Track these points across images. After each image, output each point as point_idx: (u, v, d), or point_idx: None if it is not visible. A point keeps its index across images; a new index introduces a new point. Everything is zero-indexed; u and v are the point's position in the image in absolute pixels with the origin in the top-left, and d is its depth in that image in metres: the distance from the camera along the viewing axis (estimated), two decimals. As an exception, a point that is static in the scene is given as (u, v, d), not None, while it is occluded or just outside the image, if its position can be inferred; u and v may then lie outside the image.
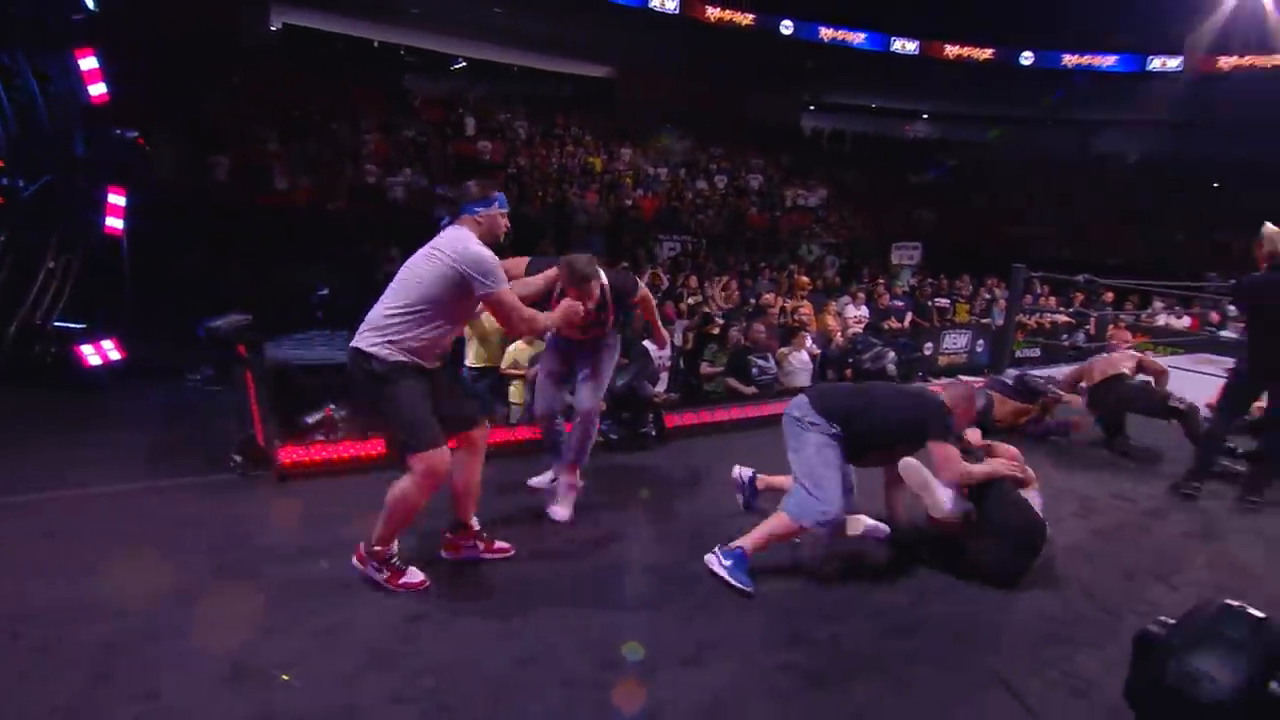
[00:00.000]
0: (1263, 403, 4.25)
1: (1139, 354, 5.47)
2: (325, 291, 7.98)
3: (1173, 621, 1.97)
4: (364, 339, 2.62)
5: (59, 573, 2.74)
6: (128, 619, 2.45)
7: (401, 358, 2.61)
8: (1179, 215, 18.84)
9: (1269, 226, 3.99)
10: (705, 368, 6.33)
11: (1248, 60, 18.37)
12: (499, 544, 3.04)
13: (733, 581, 2.83)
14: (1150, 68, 19.54)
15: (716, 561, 2.92)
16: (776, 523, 2.94)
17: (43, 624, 2.40)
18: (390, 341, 2.60)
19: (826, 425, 2.97)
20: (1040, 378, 5.29)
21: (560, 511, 3.42)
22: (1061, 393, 5.15)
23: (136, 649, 2.31)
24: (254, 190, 10.48)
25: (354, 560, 2.76)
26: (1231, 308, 9.30)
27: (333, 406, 4.07)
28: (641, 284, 3.63)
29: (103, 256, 5.65)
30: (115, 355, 5.68)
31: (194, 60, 12.17)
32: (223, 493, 3.57)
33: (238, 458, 3.73)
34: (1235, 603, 1.95)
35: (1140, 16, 17.94)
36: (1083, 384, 5.29)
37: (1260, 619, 1.89)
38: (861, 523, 3.16)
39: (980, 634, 2.68)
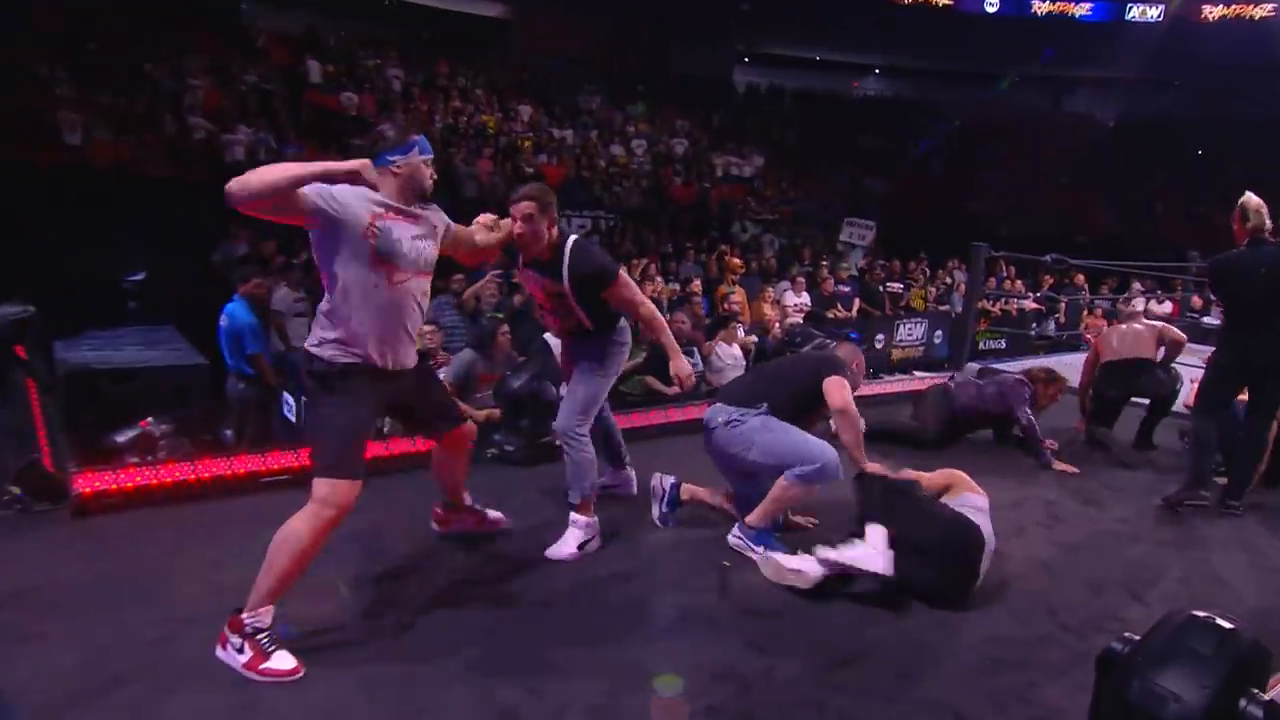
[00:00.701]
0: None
1: (1159, 323, 5.74)
2: (140, 276, 7.62)
3: (1137, 638, 2.12)
4: (309, 338, 2.66)
5: None
6: None
7: (344, 358, 2.58)
8: (1159, 184, 20.12)
9: (1250, 197, 4.17)
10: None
11: (1234, 9, 19.79)
12: (492, 515, 3.47)
13: (758, 553, 3.35)
14: (1129, 16, 20.71)
15: (743, 541, 3.46)
16: (791, 492, 3.38)
17: None
18: (326, 339, 2.59)
19: (754, 411, 3.46)
20: (1010, 374, 5.55)
21: (558, 549, 3.37)
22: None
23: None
24: (33, 146, 9.85)
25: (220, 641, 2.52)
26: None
27: (150, 420, 3.88)
28: (622, 272, 3.40)
29: None
30: None
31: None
32: (-1, 535, 3.35)
33: (15, 490, 3.50)
34: (1202, 613, 2.12)
35: None
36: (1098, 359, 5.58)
37: (1228, 629, 2.06)
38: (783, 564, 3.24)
39: (930, 662, 2.80)
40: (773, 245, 14.52)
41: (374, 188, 2.61)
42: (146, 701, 2.33)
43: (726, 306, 8.15)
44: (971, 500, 3.33)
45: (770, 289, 9.66)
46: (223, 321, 5.95)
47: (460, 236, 3.04)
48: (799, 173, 20.19)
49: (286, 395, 6.48)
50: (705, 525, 3.76)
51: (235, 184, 2.34)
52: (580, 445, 3.38)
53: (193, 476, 3.73)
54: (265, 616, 2.51)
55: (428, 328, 5.77)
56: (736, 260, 10.56)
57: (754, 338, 7.44)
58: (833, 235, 14.29)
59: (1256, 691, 1.95)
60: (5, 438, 3.71)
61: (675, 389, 5.52)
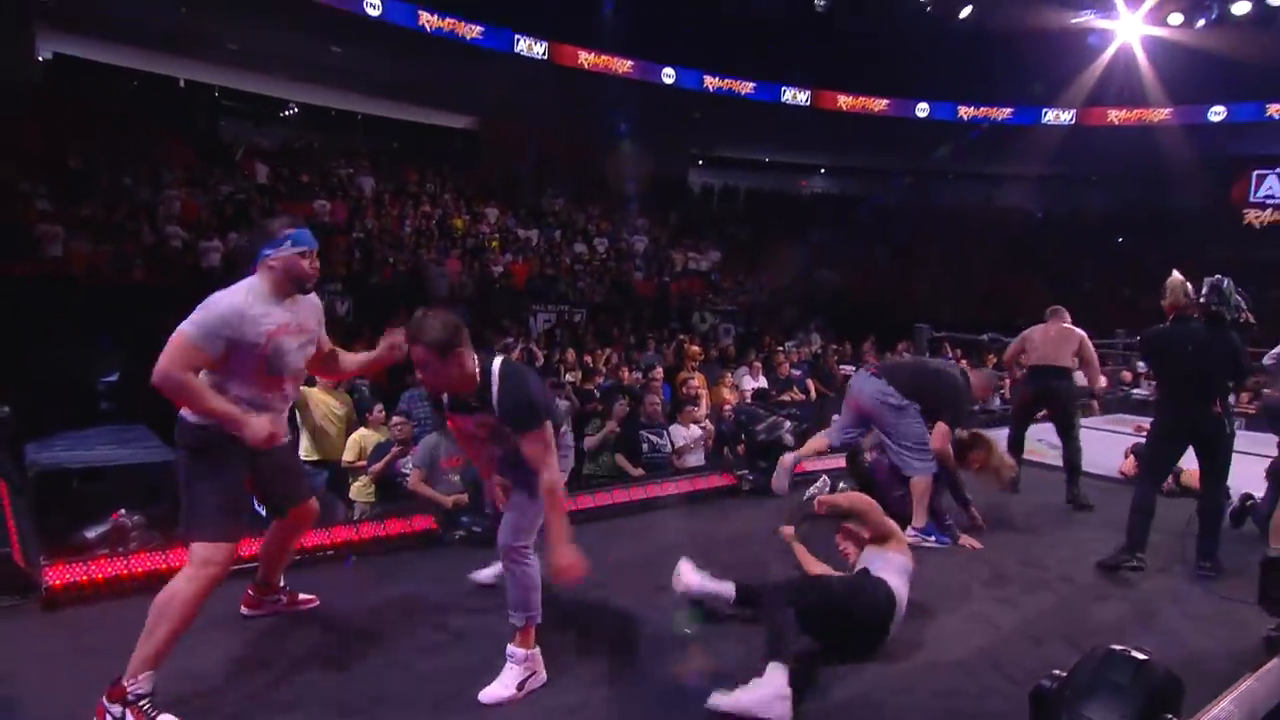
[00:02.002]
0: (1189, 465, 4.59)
1: (1080, 331, 5.94)
2: (114, 378, 7.61)
3: (1064, 673, 2.23)
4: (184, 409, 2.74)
5: None
6: None
7: (209, 422, 2.66)
8: (1087, 270, 21.26)
9: (1174, 276, 4.45)
10: (589, 440, 6.48)
11: (1135, 113, 21.41)
12: (303, 596, 3.45)
13: (942, 544, 4.59)
14: (1044, 120, 22.35)
15: (920, 538, 4.49)
16: (921, 489, 4.63)
17: None
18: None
19: (911, 404, 4.72)
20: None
21: (494, 691, 2.85)
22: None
23: None
24: (13, 259, 9.90)
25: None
26: (1141, 364, 10.53)
27: (123, 512, 3.87)
28: (545, 428, 2.87)
29: None
30: None
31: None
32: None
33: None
34: (1119, 646, 2.24)
35: (1030, 71, 20.63)
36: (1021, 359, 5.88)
37: (1141, 660, 2.18)
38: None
39: (889, 718, 2.86)
40: (729, 334, 14.84)
41: (262, 446, 2.72)
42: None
43: (685, 391, 8.32)
44: (895, 562, 3.42)
45: (729, 374, 9.86)
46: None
47: (323, 351, 3.15)
48: (754, 265, 20.79)
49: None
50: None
51: (166, 383, 2.54)
52: (526, 561, 2.93)
53: (164, 565, 3.69)
54: (146, 683, 2.50)
55: (398, 419, 5.82)
56: (695, 348, 10.78)
57: (710, 424, 7.50)
58: (785, 322, 14.69)
59: (1170, 717, 2.07)
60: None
61: (640, 471, 5.65)
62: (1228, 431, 4.31)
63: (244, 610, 3.37)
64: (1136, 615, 3.84)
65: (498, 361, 2.89)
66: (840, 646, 3.19)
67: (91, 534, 3.97)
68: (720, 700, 2.73)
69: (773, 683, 2.74)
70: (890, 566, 3.39)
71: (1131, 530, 4.44)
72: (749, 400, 8.99)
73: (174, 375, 2.53)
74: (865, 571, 3.39)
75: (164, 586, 2.61)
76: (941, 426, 4.75)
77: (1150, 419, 4.92)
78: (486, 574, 3.80)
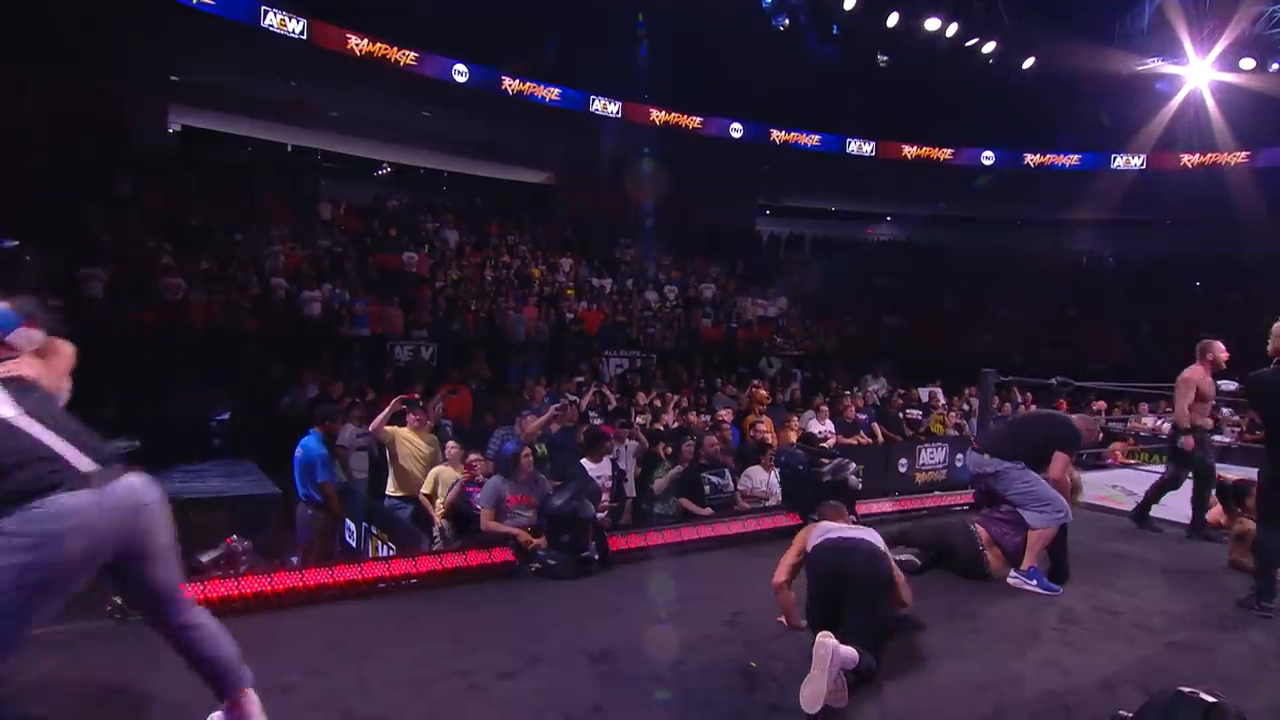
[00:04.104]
0: None
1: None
2: (225, 416, 8.04)
3: (1130, 716, 2.19)
4: None
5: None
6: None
7: None
8: (1163, 315, 20.39)
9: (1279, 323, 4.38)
10: (657, 482, 6.55)
11: (1210, 157, 20.72)
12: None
13: (1045, 590, 4.48)
14: (1114, 165, 21.75)
15: (1021, 581, 4.52)
16: (1040, 537, 4.53)
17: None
18: None
19: (1014, 465, 4.63)
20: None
21: None
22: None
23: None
24: (139, 307, 10.62)
25: None
26: (1226, 410, 10.03)
27: (235, 538, 4.12)
28: None
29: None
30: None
31: (77, 164, 12.60)
32: (100, 641, 3.54)
33: (118, 599, 3.72)
34: (1188, 689, 2.20)
35: (1097, 117, 20.30)
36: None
37: (1211, 702, 2.13)
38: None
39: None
40: (797, 379, 14.75)
41: None
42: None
43: (754, 434, 8.32)
44: None
45: (796, 418, 9.81)
46: (298, 453, 5.96)
47: None
48: (821, 312, 20.67)
49: (348, 521, 6.71)
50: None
51: None
52: None
53: (269, 588, 3.92)
54: None
55: (475, 456, 6.04)
56: (763, 392, 10.77)
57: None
58: (853, 368, 14.53)
59: (1238, 757, 2.01)
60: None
61: (708, 510, 5.69)
62: None
63: None
64: (1209, 666, 3.67)
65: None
66: None
67: (205, 558, 4.22)
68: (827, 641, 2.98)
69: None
70: None
71: (1259, 577, 4.31)
72: (795, 446, 8.90)
73: None
74: None
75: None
76: (1060, 456, 4.71)
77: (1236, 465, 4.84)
78: None
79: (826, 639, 3.00)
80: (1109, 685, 3.37)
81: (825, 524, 3.86)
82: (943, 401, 12.50)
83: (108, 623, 3.72)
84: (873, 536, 3.74)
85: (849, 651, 3.02)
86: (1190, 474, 5.98)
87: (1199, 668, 3.62)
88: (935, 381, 13.17)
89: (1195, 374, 5.80)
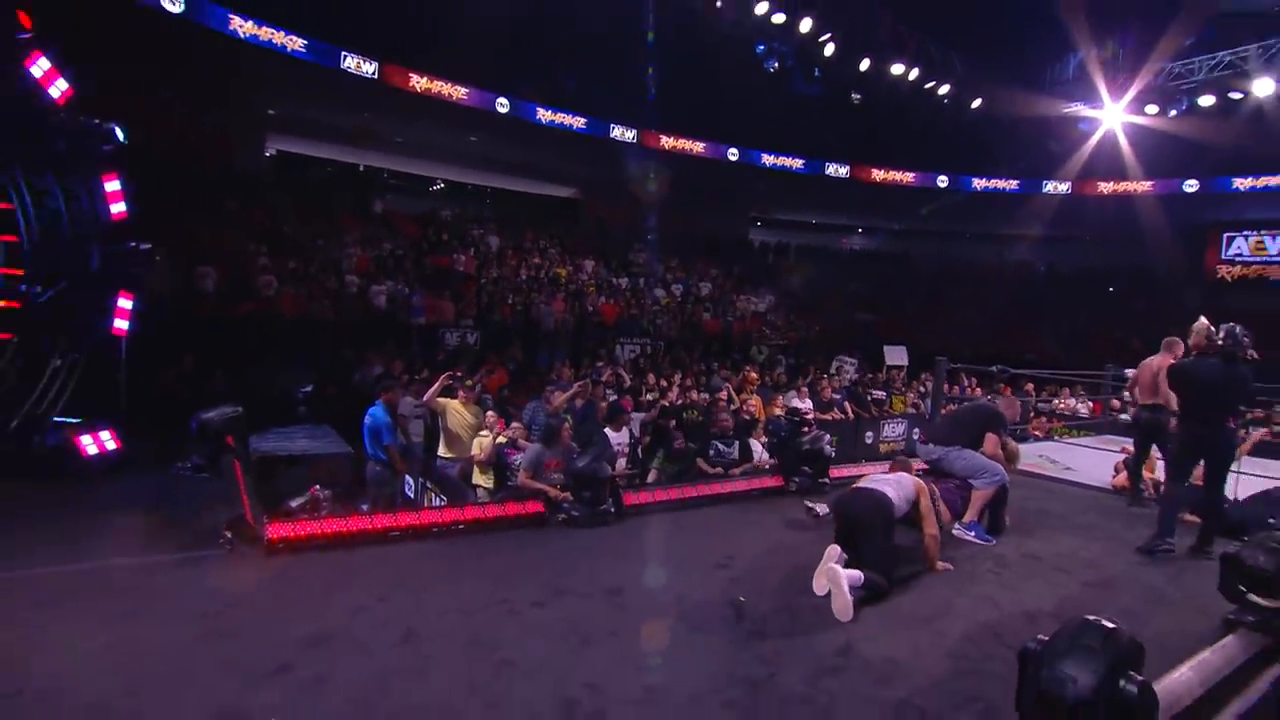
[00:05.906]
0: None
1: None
2: (308, 389, 8.14)
3: (1046, 638, 2.24)
4: None
5: (55, 642, 2.80)
6: (120, 678, 2.53)
7: None
8: (1085, 316, 20.49)
9: (1201, 321, 4.68)
10: (653, 474, 6.63)
11: (1121, 186, 21.17)
12: None
13: (981, 540, 4.50)
14: (1045, 190, 21.95)
15: (963, 532, 4.53)
16: (980, 496, 4.56)
17: (40, 683, 2.47)
18: None
19: (953, 449, 4.74)
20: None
21: None
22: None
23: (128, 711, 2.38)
24: (241, 299, 10.74)
25: None
26: (1127, 394, 9.99)
27: (318, 487, 4.21)
28: None
29: (103, 356, 5.81)
30: (111, 445, 5.74)
31: (188, 184, 12.70)
32: (215, 565, 3.66)
33: (228, 534, 3.83)
34: (1092, 616, 2.24)
35: (1032, 149, 20.67)
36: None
37: (1111, 628, 2.18)
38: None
39: (900, 673, 2.88)
40: (781, 364, 14.73)
41: None
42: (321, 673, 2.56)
43: (745, 411, 8.35)
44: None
45: (780, 396, 9.81)
46: (366, 420, 5.89)
47: None
48: (803, 309, 20.64)
49: (408, 477, 6.80)
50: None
51: None
52: None
53: (345, 529, 4.02)
54: None
55: (516, 424, 6.10)
56: (753, 374, 10.78)
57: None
58: (830, 357, 14.50)
59: (1133, 673, 2.07)
60: (220, 501, 4.06)
61: (718, 469, 5.75)
62: (1234, 444, 4.51)
63: None
64: (1110, 600, 3.73)
65: None
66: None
67: (294, 504, 4.32)
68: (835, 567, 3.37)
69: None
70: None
71: (1162, 520, 4.48)
72: (781, 417, 8.92)
73: None
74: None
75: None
76: (991, 436, 4.79)
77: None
78: None
79: (835, 567, 3.41)
80: (1031, 617, 3.43)
81: (872, 475, 4.17)
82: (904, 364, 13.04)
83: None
84: (890, 487, 3.83)
85: (854, 574, 3.42)
86: (1154, 446, 5.81)
87: (1104, 602, 3.68)
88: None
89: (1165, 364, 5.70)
